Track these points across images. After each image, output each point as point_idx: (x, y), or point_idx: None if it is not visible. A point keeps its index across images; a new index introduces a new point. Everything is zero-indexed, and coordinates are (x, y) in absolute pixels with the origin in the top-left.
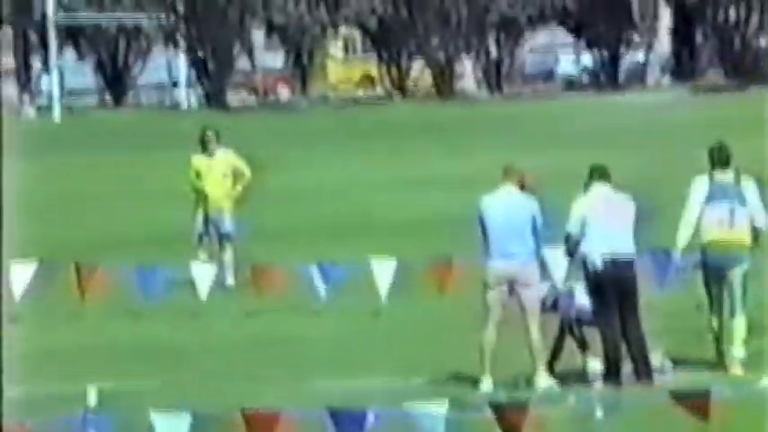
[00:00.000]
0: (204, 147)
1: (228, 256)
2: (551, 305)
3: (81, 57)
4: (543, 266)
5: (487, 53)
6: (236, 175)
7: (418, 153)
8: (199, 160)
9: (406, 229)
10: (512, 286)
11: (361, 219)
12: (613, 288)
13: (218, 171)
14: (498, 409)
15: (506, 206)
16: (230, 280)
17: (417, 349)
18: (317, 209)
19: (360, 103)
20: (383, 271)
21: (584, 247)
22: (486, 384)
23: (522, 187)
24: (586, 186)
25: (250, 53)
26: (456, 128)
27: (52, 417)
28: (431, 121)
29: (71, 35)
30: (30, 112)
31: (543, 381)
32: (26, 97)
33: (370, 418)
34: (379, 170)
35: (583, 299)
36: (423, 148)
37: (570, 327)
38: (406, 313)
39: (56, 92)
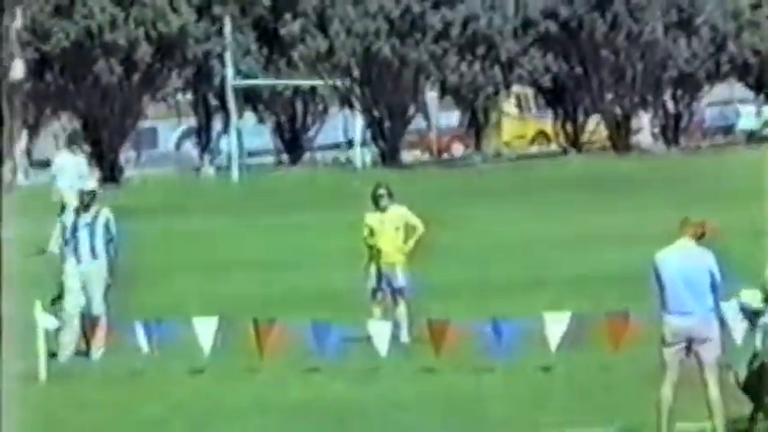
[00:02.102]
0: (376, 203)
1: (402, 311)
2: (752, 314)
3: (260, 119)
4: (722, 323)
5: (665, 107)
6: (409, 230)
7: (593, 208)
8: (371, 217)
9: (580, 284)
10: (689, 342)
11: (535, 274)
12: None
13: (391, 226)
14: None
15: (682, 261)
16: (405, 336)
17: (593, 406)
18: (490, 264)
19: (534, 159)
20: (557, 325)
21: None
22: None
23: (703, 236)
24: None
25: (425, 113)
26: (632, 182)
27: None
28: (606, 176)
29: (249, 99)
30: (209, 171)
31: None
32: (206, 157)
33: None
34: (553, 225)
35: None
36: (598, 203)
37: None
38: (581, 369)
39: (234, 152)
